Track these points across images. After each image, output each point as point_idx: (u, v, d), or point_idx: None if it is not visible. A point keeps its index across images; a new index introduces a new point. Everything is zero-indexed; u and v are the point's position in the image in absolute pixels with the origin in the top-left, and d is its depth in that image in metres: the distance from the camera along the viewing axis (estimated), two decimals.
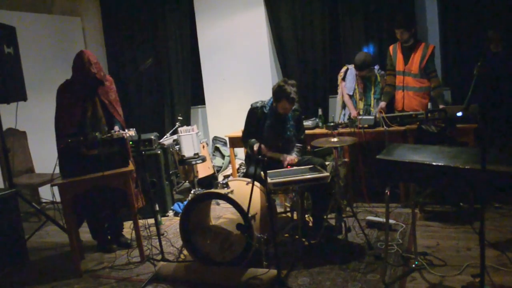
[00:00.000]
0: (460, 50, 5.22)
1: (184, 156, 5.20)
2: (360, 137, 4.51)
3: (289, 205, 4.29)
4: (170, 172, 5.32)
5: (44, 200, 5.53)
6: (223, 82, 6.42)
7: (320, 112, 5.16)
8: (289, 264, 3.47)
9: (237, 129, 5.18)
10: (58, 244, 4.55)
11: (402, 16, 4.90)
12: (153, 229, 4.22)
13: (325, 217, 3.77)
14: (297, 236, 3.81)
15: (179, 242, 4.09)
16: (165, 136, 5.89)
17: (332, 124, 4.66)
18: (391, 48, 4.98)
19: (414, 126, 4.39)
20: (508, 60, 4.38)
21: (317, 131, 4.94)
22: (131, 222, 3.97)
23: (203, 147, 5.68)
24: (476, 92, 3.55)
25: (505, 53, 4.40)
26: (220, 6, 6.25)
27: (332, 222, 3.95)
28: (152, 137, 5.09)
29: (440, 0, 5.37)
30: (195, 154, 5.20)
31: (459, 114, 4.22)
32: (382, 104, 4.96)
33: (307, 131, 4.62)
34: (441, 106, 4.63)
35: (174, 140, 5.57)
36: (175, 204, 5.15)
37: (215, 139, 6.50)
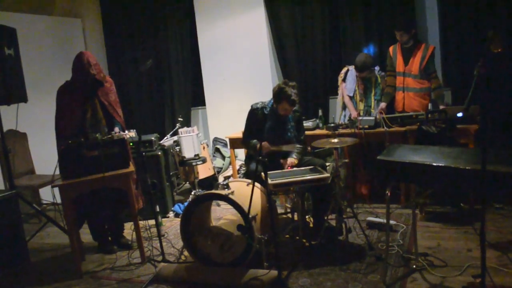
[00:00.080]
0: (460, 51, 5.22)
1: (184, 157, 5.20)
2: (361, 138, 4.51)
3: (289, 206, 4.29)
4: (171, 173, 5.32)
5: (44, 202, 5.53)
6: (223, 83, 6.42)
7: (320, 113, 5.16)
8: (289, 265, 3.47)
9: (238, 130, 5.19)
10: (58, 245, 4.55)
11: (402, 18, 4.89)
12: (154, 230, 4.22)
13: (325, 218, 3.78)
14: (297, 237, 3.81)
15: (179, 243, 4.09)
16: (166, 137, 5.90)
17: (332, 125, 4.66)
18: (391, 49, 4.98)
19: (415, 126, 4.39)
20: (508, 60, 4.38)
21: (317, 132, 4.94)
22: (131, 223, 3.97)
23: (204, 148, 5.68)
24: (476, 92, 3.54)
25: (506, 53, 4.40)
26: (220, 6, 6.25)
27: (333, 223, 3.95)
28: (153, 138, 5.09)
29: (441, 1, 5.37)
30: (195, 155, 5.20)
31: (460, 114, 4.22)
32: (383, 105, 4.96)
33: (307, 132, 4.62)
34: (441, 107, 4.63)
35: (174, 141, 5.58)
36: (176, 205, 5.15)
37: (216, 140, 6.51)
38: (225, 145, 6.33)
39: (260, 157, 3.16)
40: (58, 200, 3.81)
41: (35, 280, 3.77)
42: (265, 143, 3.91)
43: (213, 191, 3.59)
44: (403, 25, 4.76)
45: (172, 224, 4.84)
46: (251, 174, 3.65)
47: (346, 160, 4.55)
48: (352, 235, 3.90)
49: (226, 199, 3.39)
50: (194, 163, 5.20)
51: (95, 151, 3.63)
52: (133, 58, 7.05)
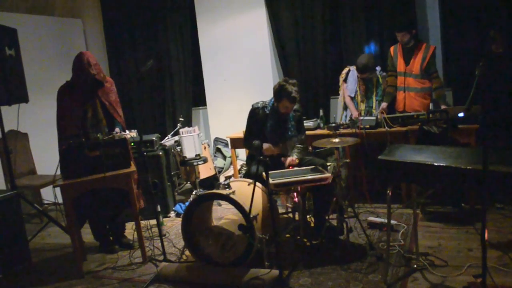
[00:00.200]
0: (462, 51, 5.21)
1: (185, 157, 5.21)
2: (362, 138, 4.51)
3: (290, 205, 4.29)
4: (172, 173, 5.33)
5: (46, 202, 5.53)
6: (224, 83, 6.42)
7: (321, 113, 5.16)
8: (290, 264, 3.48)
9: (239, 130, 5.19)
10: (60, 245, 4.55)
11: (402, 19, 4.89)
12: (155, 230, 4.22)
13: (326, 217, 3.78)
14: (298, 237, 3.81)
15: (181, 243, 4.10)
16: (167, 137, 5.90)
17: (333, 124, 4.66)
18: (392, 49, 4.98)
19: (416, 126, 4.39)
20: (510, 60, 4.38)
21: (318, 132, 4.94)
22: (133, 223, 3.97)
23: (205, 148, 5.69)
24: (478, 92, 3.54)
25: (507, 53, 4.39)
26: (221, 6, 6.26)
27: (334, 222, 3.95)
28: (154, 138, 5.10)
29: (442, 0, 5.37)
30: (196, 155, 5.20)
31: (461, 114, 4.22)
32: (384, 105, 4.96)
33: (308, 132, 4.62)
34: (442, 107, 4.63)
35: (175, 141, 5.58)
36: (177, 205, 5.15)
37: (217, 140, 6.51)
38: (226, 145, 6.33)
39: (261, 157, 3.17)
40: (60, 200, 3.81)
41: (37, 280, 3.77)
42: (269, 146, 3.91)
43: (214, 190, 3.59)
44: (404, 26, 4.77)
45: (173, 224, 4.85)
46: (252, 176, 3.65)
47: (347, 160, 4.55)
48: (353, 234, 3.91)
49: (227, 198, 3.39)
50: (195, 163, 5.21)
51: (97, 151, 3.63)
52: (134, 58, 7.05)
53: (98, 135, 3.70)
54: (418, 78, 4.81)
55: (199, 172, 5.51)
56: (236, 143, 5.31)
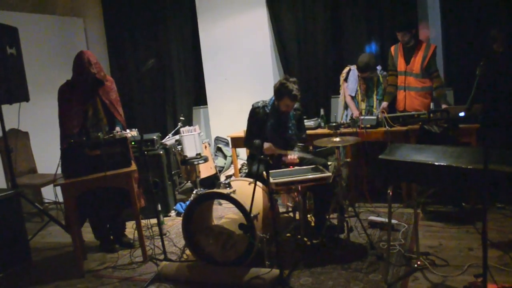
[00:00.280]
0: (463, 50, 5.21)
1: (186, 156, 5.21)
2: (362, 137, 4.50)
3: (291, 205, 4.29)
4: (172, 172, 5.33)
5: (46, 201, 5.54)
6: (225, 82, 6.42)
7: (322, 112, 5.16)
8: (291, 264, 3.47)
9: (239, 129, 5.19)
10: (60, 244, 4.55)
11: (403, 19, 4.88)
12: (156, 229, 4.23)
13: (327, 217, 3.78)
14: (299, 236, 3.81)
15: (181, 242, 4.10)
16: (167, 137, 5.90)
17: (334, 124, 4.66)
18: (392, 48, 4.98)
19: (417, 126, 4.39)
20: (511, 60, 4.37)
21: (319, 131, 4.94)
22: (133, 222, 3.97)
23: (205, 147, 5.69)
24: (478, 92, 3.54)
25: (508, 52, 4.39)
26: (222, 6, 6.26)
27: (334, 222, 3.95)
28: (154, 137, 5.10)
29: (443, 0, 5.36)
30: (197, 154, 5.20)
31: (462, 114, 4.22)
32: (384, 104, 4.96)
33: (309, 131, 4.62)
34: (443, 106, 4.63)
35: (176, 141, 5.58)
36: (178, 204, 5.15)
37: (217, 139, 6.51)
38: (226, 144, 6.33)
39: (262, 156, 3.17)
40: (60, 199, 3.81)
41: (37, 279, 3.77)
42: (270, 146, 3.90)
43: (215, 190, 3.59)
44: (404, 26, 4.78)
45: (174, 223, 4.85)
46: (253, 175, 3.64)
47: (348, 160, 4.55)
48: (354, 234, 3.90)
49: (228, 198, 3.40)
50: (195, 162, 5.21)
51: (97, 150, 3.63)
52: (135, 57, 7.05)
53: (99, 134, 3.70)
54: (419, 78, 4.81)
55: (199, 171, 5.51)
56: (236, 142, 5.31)
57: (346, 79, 5.23)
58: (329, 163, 4.12)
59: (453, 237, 3.75)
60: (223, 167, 6.21)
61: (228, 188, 3.50)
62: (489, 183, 2.42)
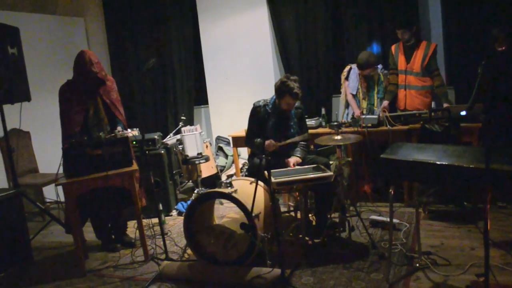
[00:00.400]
0: (464, 49, 5.21)
1: (187, 155, 5.21)
2: (364, 137, 4.50)
3: (292, 204, 4.29)
4: (174, 172, 5.33)
5: (48, 200, 5.54)
6: (226, 81, 6.42)
7: (323, 111, 5.16)
8: (292, 263, 3.47)
9: (240, 129, 5.19)
10: (62, 243, 4.56)
11: (403, 17, 4.87)
12: (157, 228, 4.22)
13: (328, 216, 3.77)
14: (300, 235, 3.80)
15: (183, 242, 4.10)
16: (169, 136, 5.91)
17: (335, 123, 4.66)
18: (393, 47, 4.97)
19: (418, 125, 4.39)
20: None
21: (320, 130, 4.93)
22: (135, 221, 3.97)
23: (206, 146, 5.69)
24: (480, 91, 3.54)
25: (510, 52, 4.38)
26: (223, 5, 6.25)
27: (336, 221, 3.95)
28: (156, 137, 5.10)
29: None
30: (198, 154, 5.20)
31: (463, 113, 4.21)
32: (385, 103, 4.95)
33: (310, 131, 4.61)
34: (445, 105, 4.62)
35: (177, 140, 5.58)
36: (179, 204, 5.15)
37: (218, 138, 6.51)
38: (228, 143, 6.33)
39: (264, 155, 3.17)
40: (62, 199, 3.82)
41: (38, 278, 3.78)
42: (270, 141, 3.90)
43: (216, 189, 3.59)
44: (404, 23, 4.77)
45: (175, 222, 4.85)
46: (254, 168, 3.64)
47: (349, 159, 4.55)
48: (355, 233, 3.91)
49: (229, 197, 3.40)
50: (197, 162, 5.21)
51: (99, 149, 3.63)
52: (136, 57, 7.05)
53: (100, 133, 3.70)
54: (419, 76, 4.80)
55: (201, 171, 5.51)
56: (237, 141, 5.31)
57: (347, 78, 5.23)
58: (330, 162, 4.12)
59: (454, 237, 3.75)
60: (224, 167, 6.21)
61: (230, 188, 3.50)
62: (491, 182, 2.41)
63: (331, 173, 3.55)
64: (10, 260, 3.88)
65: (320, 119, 5.11)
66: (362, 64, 4.92)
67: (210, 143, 6.01)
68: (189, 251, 3.84)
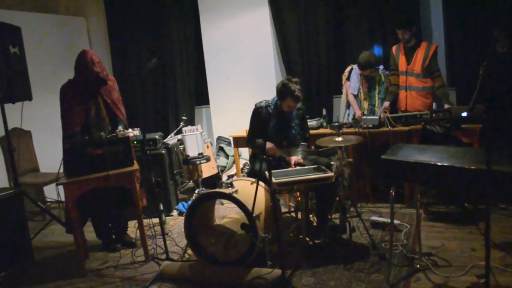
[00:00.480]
0: (466, 50, 5.20)
1: (188, 155, 5.21)
2: (365, 137, 4.50)
3: (293, 205, 4.29)
4: (175, 172, 5.33)
5: (49, 200, 5.55)
6: (227, 81, 6.42)
7: (324, 112, 5.16)
8: (293, 263, 3.47)
9: (241, 129, 5.19)
10: (62, 243, 4.56)
11: (402, 17, 4.87)
12: (158, 228, 4.22)
13: (329, 217, 3.77)
14: (301, 236, 3.81)
15: (183, 242, 4.10)
16: (170, 136, 5.91)
17: (336, 124, 4.65)
18: (393, 48, 4.97)
19: (419, 126, 4.38)
20: None
21: (321, 131, 4.93)
22: (135, 221, 3.97)
23: (207, 147, 5.69)
24: (481, 92, 3.53)
25: (511, 53, 4.38)
26: (225, 6, 6.26)
27: (337, 222, 3.95)
28: (157, 136, 5.10)
29: (445, 0, 5.35)
30: (199, 154, 5.21)
31: (464, 114, 4.21)
32: (386, 104, 4.95)
33: (311, 131, 4.61)
34: (446, 106, 4.62)
35: (178, 140, 5.59)
36: (180, 204, 5.15)
37: (219, 139, 6.51)
38: (229, 143, 6.33)
39: (265, 156, 3.17)
40: (63, 198, 3.82)
41: (39, 277, 3.78)
42: (272, 146, 3.90)
43: (217, 189, 3.59)
44: (404, 23, 4.76)
45: (176, 222, 4.85)
46: (255, 173, 3.64)
47: (350, 160, 4.55)
48: (356, 234, 3.90)
49: (230, 197, 3.40)
50: (198, 162, 5.21)
51: (100, 149, 3.63)
52: (137, 56, 7.06)
53: (101, 133, 3.70)
54: (420, 77, 4.80)
55: (201, 171, 5.51)
56: (239, 142, 5.31)
57: (348, 78, 5.23)
58: (331, 162, 4.12)
59: (455, 238, 3.74)
60: (225, 167, 6.21)
61: (230, 188, 3.50)
62: (492, 184, 2.41)
63: (332, 174, 3.55)
64: (10, 259, 3.88)
65: (321, 120, 5.11)
66: (362, 64, 4.92)
67: (211, 143, 6.01)
68: (189, 251, 3.84)
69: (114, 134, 3.75)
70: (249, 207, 3.25)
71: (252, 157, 4.30)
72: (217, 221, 4.07)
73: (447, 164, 2.64)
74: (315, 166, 3.82)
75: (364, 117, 4.70)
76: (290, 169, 3.84)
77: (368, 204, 4.71)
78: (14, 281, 3.76)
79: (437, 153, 2.91)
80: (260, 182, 3.41)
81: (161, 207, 4.25)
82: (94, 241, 4.34)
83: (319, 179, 3.52)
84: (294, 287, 3.16)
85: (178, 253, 3.97)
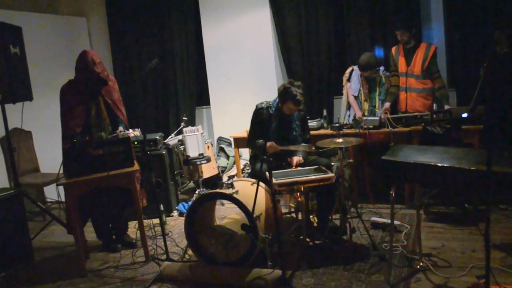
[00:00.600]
0: (466, 51, 5.20)
1: (189, 156, 5.21)
2: (365, 138, 4.50)
3: (294, 205, 4.29)
4: (175, 172, 5.33)
5: (49, 200, 5.55)
6: (227, 82, 6.43)
7: (325, 113, 5.16)
8: (293, 264, 3.47)
9: (242, 130, 5.19)
10: (63, 243, 4.56)
11: (402, 18, 4.87)
12: (158, 229, 4.22)
13: (330, 217, 3.77)
14: (301, 237, 3.81)
15: (183, 242, 4.10)
16: (170, 136, 5.91)
17: (337, 125, 4.66)
18: (393, 49, 4.97)
19: (419, 127, 4.38)
20: None
21: (322, 131, 4.94)
22: (135, 222, 3.97)
23: (208, 147, 5.69)
24: (482, 93, 3.53)
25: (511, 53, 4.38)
26: (225, 6, 6.26)
27: (337, 222, 3.95)
28: (157, 137, 5.10)
29: (446, 1, 5.35)
30: (199, 155, 5.21)
31: (465, 115, 4.21)
32: (387, 104, 4.95)
33: (312, 132, 4.61)
34: (446, 107, 4.62)
35: (179, 140, 5.59)
36: (180, 204, 5.15)
37: (220, 139, 6.51)
38: (229, 144, 6.34)
39: (265, 157, 3.17)
40: (63, 199, 3.82)
41: (39, 278, 3.78)
42: (272, 143, 3.91)
43: (217, 190, 3.59)
44: (403, 24, 4.76)
45: (176, 223, 4.85)
46: (256, 174, 3.64)
47: (351, 160, 4.55)
48: (356, 235, 3.90)
49: (231, 198, 3.39)
50: (198, 162, 5.21)
51: (100, 149, 3.63)
52: (138, 57, 7.07)
53: (102, 133, 3.71)
54: (420, 79, 4.80)
55: (202, 172, 5.51)
56: (239, 142, 5.31)
57: (349, 79, 5.24)
58: (332, 163, 4.12)
59: (455, 239, 3.74)
60: (225, 167, 6.21)
61: (231, 189, 3.50)
62: (492, 185, 2.41)
63: (332, 175, 3.55)
64: (10, 260, 3.88)
65: (322, 121, 5.11)
66: (362, 65, 4.92)
67: (212, 144, 6.01)
68: (190, 251, 3.84)
69: (114, 134, 3.75)
70: (250, 207, 3.25)
71: (253, 158, 4.30)
72: (218, 222, 4.07)
73: (448, 165, 2.64)
74: (316, 166, 3.82)
75: (365, 118, 4.70)
76: (290, 169, 3.84)
77: (369, 205, 4.72)
78: (14, 281, 3.76)
79: (437, 154, 2.91)
80: (261, 183, 3.42)
81: (162, 207, 4.26)
82: (94, 242, 4.34)
83: (320, 180, 3.52)
84: (294, 287, 3.16)
85: (179, 254, 3.97)
